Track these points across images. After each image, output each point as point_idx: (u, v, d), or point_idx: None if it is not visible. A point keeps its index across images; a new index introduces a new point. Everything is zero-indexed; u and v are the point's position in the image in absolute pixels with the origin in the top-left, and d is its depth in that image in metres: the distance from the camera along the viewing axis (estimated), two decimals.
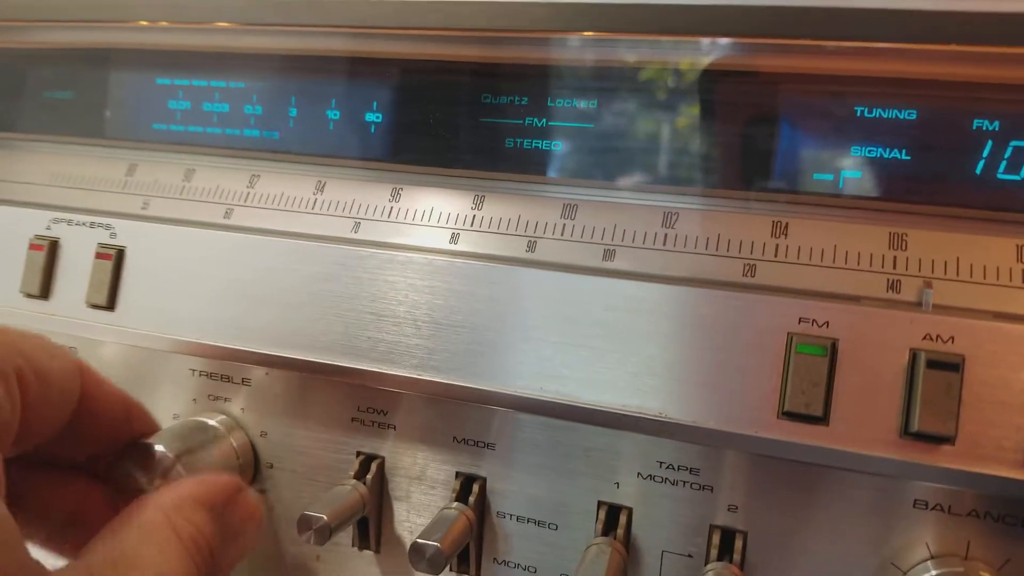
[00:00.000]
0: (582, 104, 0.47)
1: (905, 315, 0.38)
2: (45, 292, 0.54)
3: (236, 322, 0.49)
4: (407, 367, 0.46)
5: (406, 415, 0.49)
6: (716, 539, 0.43)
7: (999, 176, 0.41)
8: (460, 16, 0.46)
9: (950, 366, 0.36)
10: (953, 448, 0.36)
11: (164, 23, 0.54)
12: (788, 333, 0.39)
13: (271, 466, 0.52)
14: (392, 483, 0.50)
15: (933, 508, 0.40)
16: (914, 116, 0.42)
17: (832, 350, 0.38)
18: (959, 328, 0.37)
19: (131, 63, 0.59)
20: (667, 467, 0.44)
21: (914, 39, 0.40)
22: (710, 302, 0.41)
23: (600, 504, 0.45)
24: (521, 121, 0.48)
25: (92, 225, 0.54)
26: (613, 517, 0.45)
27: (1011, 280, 0.39)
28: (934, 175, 0.42)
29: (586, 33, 0.45)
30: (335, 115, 0.53)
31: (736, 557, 0.42)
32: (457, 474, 0.48)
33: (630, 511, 0.45)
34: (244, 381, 0.52)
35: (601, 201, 0.47)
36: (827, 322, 0.39)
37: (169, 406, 0.55)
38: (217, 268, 0.50)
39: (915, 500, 0.40)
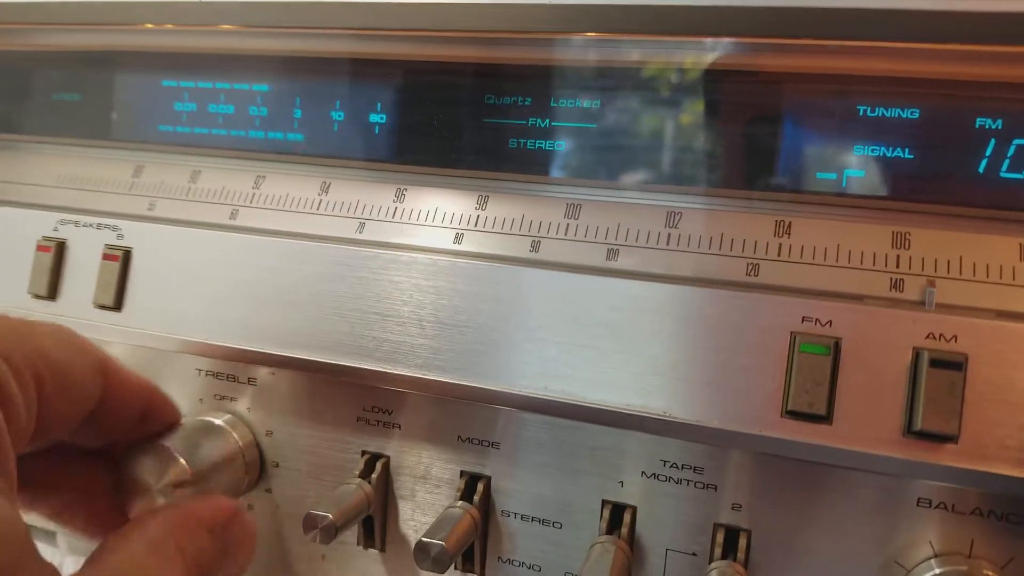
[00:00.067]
0: (585, 104, 0.47)
1: (908, 314, 0.38)
2: (52, 293, 0.55)
3: (242, 322, 0.50)
4: (412, 367, 0.46)
5: (411, 414, 0.49)
6: (720, 538, 0.43)
7: (1002, 175, 0.41)
8: (462, 18, 0.46)
9: (953, 365, 0.37)
10: (956, 447, 0.37)
11: (169, 26, 0.54)
12: (791, 332, 0.39)
13: (277, 465, 0.53)
14: (397, 482, 0.50)
15: (937, 507, 0.40)
16: (917, 115, 0.42)
17: (835, 349, 0.38)
18: (962, 327, 0.37)
19: (137, 65, 0.59)
20: (671, 466, 0.44)
21: (916, 38, 0.40)
22: (714, 302, 0.41)
23: (604, 503, 0.46)
24: (524, 121, 0.48)
25: (99, 226, 0.54)
26: (617, 516, 0.45)
27: (1014, 279, 0.39)
28: (937, 174, 0.42)
29: (589, 34, 0.45)
30: (339, 116, 0.53)
31: (740, 556, 0.42)
32: (462, 473, 0.48)
33: (634, 510, 0.45)
34: (250, 381, 0.53)
35: (604, 201, 0.47)
36: (830, 321, 0.39)
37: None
38: (223, 269, 0.51)
39: (919, 499, 0.40)
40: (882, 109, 0.42)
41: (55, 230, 0.55)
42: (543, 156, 0.48)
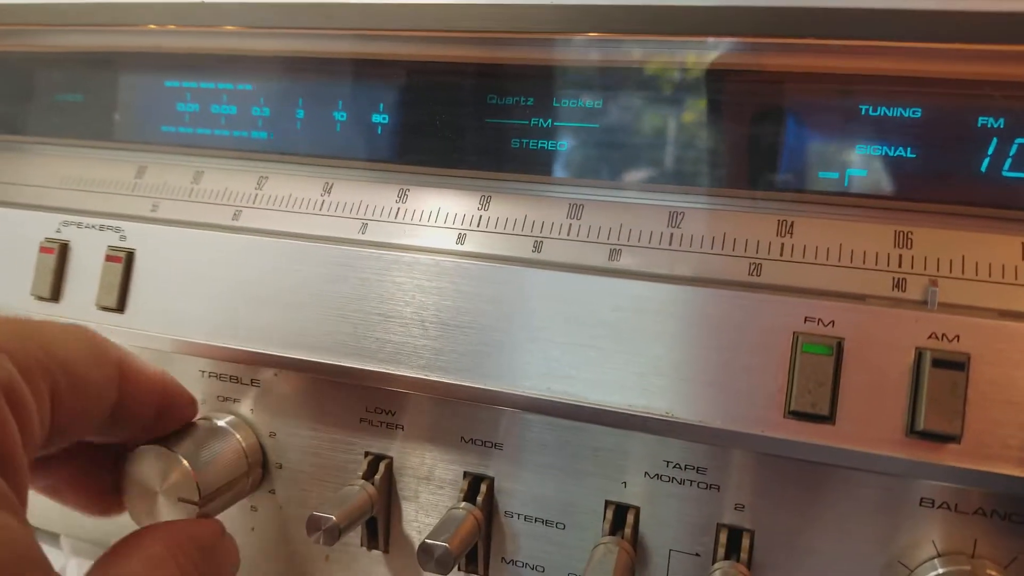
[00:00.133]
0: (587, 104, 0.47)
1: (911, 314, 0.38)
2: (56, 295, 0.55)
3: (245, 323, 0.50)
4: (415, 368, 0.46)
5: (414, 415, 0.49)
6: (723, 538, 0.43)
7: (1004, 173, 0.41)
8: (464, 18, 0.46)
9: (955, 365, 0.37)
10: (959, 447, 0.37)
11: (172, 27, 0.54)
12: (794, 332, 0.39)
13: (280, 466, 0.53)
14: (400, 483, 0.50)
15: (940, 506, 0.40)
16: (919, 114, 0.42)
17: (838, 349, 0.38)
18: (965, 327, 0.37)
19: (139, 66, 0.59)
20: (674, 466, 0.44)
21: (918, 37, 0.40)
22: (716, 302, 0.41)
23: (607, 503, 0.46)
24: (527, 122, 0.48)
25: (102, 228, 0.54)
26: (620, 516, 0.45)
27: (1016, 278, 0.39)
28: (939, 173, 0.42)
29: (591, 34, 0.45)
30: (342, 117, 0.53)
31: (743, 556, 0.42)
32: (465, 474, 0.48)
33: (637, 510, 0.45)
34: (253, 382, 0.53)
35: (607, 201, 0.47)
36: (832, 321, 0.39)
37: None
38: (226, 269, 0.51)
39: (921, 498, 0.40)
40: (884, 108, 0.42)
41: (58, 231, 0.55)
42: (545, 156, 0.48)
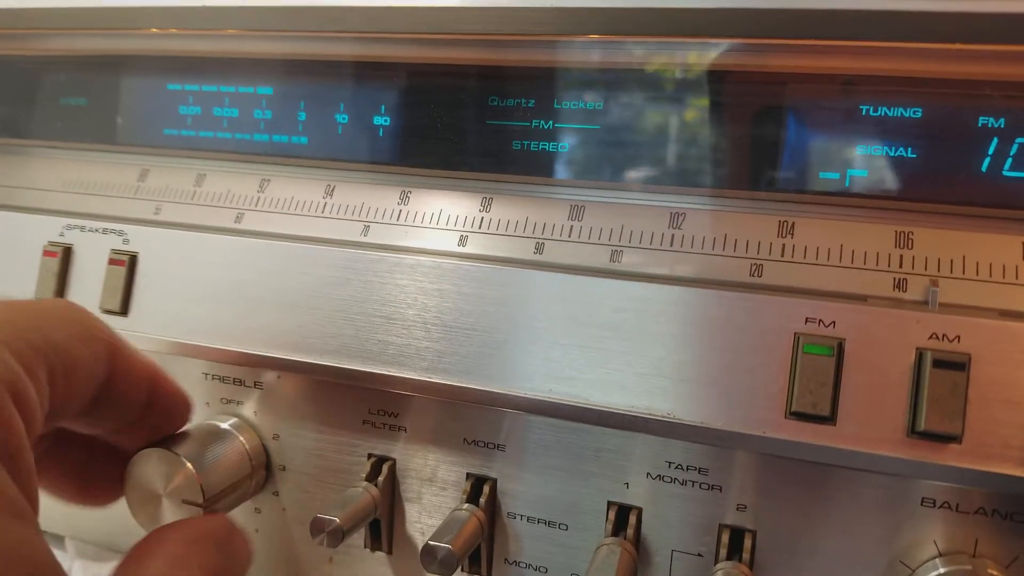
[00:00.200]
0: (588, 105, 0.47)
1: (911, 314, 0.38)
2: (59, 298, 0.55)
3: (248, 326, 0.50)
4: (417, 370, 0.46)
5: (417, 417, 0.49)
6: (725, 538, 0.43)
7: (1005, 173, 0.41)
8: (465, 21, 0.46)
9: (956, 365, 0.37)
10: (960, 447, 0.37)
11: (174, 30, 0.55)
12: (795, 333, 0.39)
13: (283, 468, 0.53)
14: (403, 485, 0.50)
15: (941, 506, 0.40)
16: (919, 114, 0.42)
17: (839, 350, 0.39)
18: (965, 327, 0.37)
19: (142, 69, 0.59)
20: (676, 467, 0.44)
21: (919, 38, 0.40)
22: (717, 303, 0.41)
23: (610, 504, 0.46)
24: (528, 123, 0.48)
25: (105, 231, 0.54)
26: (623, 517, 0.45)
27: (1017, 278, 0.39)
28: (940, 173, 0.42)
29: (592, 36, 0.45)
30: (344, 119, 0.53)
31: (745, 556, 0.42)
32: (468, 475, 0.49)
33: (640, 511, 0.45)
34: (256, 385, 0.53)
35: (608, 202, 0.47)
36: (833, 322, 0.39)
37: None
38: (228, 272, 0.51)
39: (923, 498, 0.40)
40: (885, 109, 0.42)
41: (61, 235, 0.56)
42: (546, 158, 0.48)
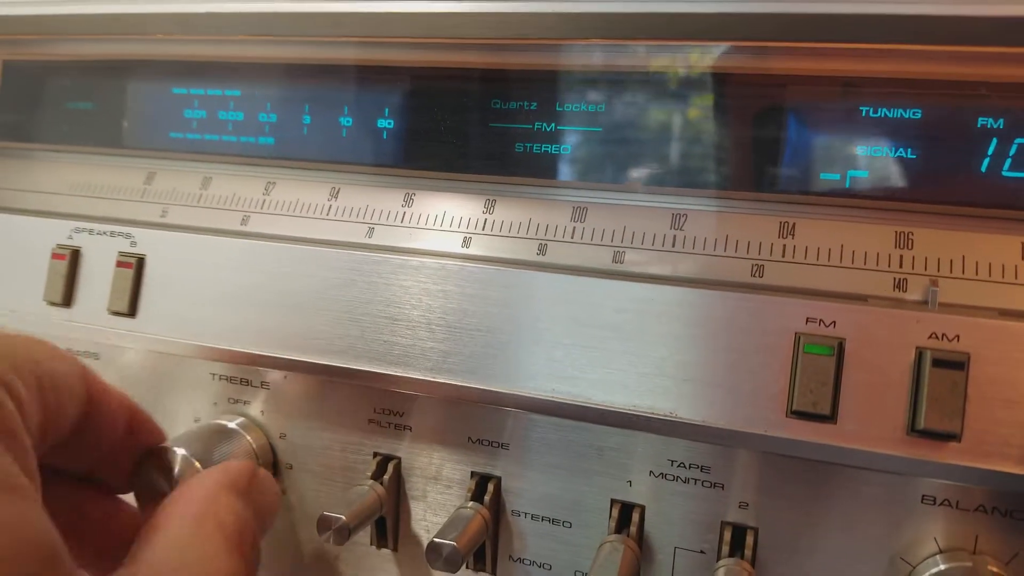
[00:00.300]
0: (590, 108, 0.48)
1: (911, 314, 0.38)
2: (67, 300, 0.55)
3: (254, 327, 0.50)
4: (422, 370, 0.46)
5: (422, 416, 0.50)
6: (727, 535, 0.44)
7: (1004, 174, 0.41)
8: (467, 26, 0.47)
9: (955, 364, 0.37)
10: (959, 445, 0.37)
11: (179, 36, 0.55)
12: (796, 333, 0.40)
13: (290, 467, 0.53)
14: (409, 483, 0.51)
15: (941, 504, 0.40)
16: (919, 115, 0.42)
17: (839, 350, 0.39)
18: (965, 326, 0.38)
19: (148, 74, 0.60)
20: (679, 465, 0.45)
21: (918, 40, 0.40)
22: (719, 303, 0.41)
23: (613, 502, 0.46)
24: (530, 126, 0.49)
25: (112, 234, 0.55)
26: (626, 515, 0.46)
27: (1016, 277, 0.40)
28: (939, 174, 0.42)
29: (593, 41, 0.45)
30: (348, 122, 0.54)
31: (747, 553, 0.43)
32: (472, 474, 0.49)
33: (643, 509, 0.46)
34: (263, 384, 0.53)
35: (610, 204, 0.47)
36: (834, 322, 0.39)
37: (190, 409, 0.56)
38: (235, 274, 0.51)
39: (923, 496, 0.40)
40: (885, 110, 0.43)
41: (69, 238, 0.56)
42: (549, 160, 0.49)
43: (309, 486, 0.53)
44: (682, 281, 0.43)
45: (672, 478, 0.45)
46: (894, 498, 0.41)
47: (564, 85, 0.48)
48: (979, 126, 0.41)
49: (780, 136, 0.45)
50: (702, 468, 0.44)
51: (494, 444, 0.48)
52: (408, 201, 0.51)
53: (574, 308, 0.44)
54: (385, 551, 0.52)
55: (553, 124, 0.48)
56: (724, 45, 0.44)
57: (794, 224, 0.44)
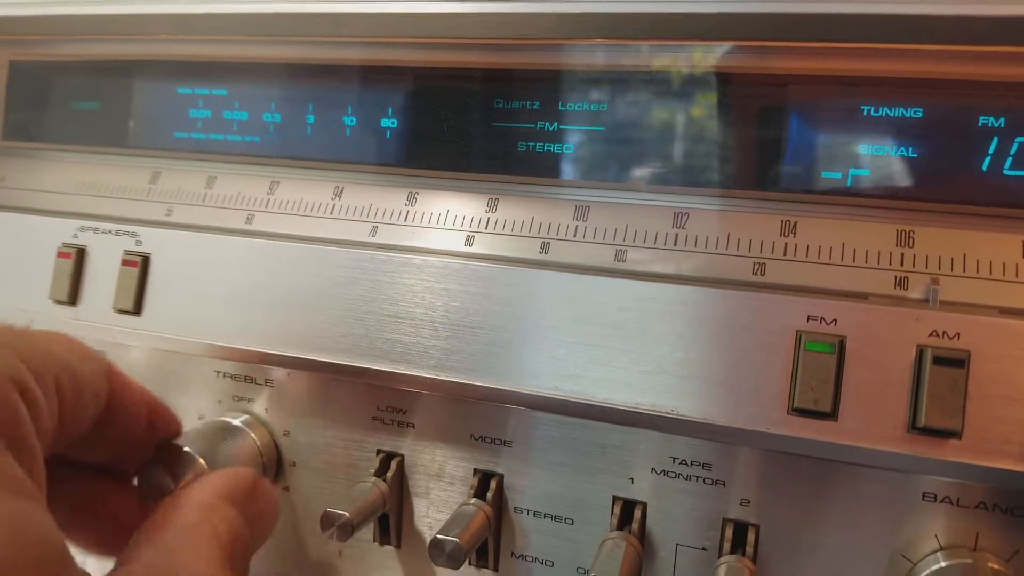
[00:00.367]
0: (592, 107, 0.48)
1: (911, 312, 0.39)
2: (73, 298, 0.56)
3: (259, 325, 0.50)
4: (425, 367, 0.47)
5: (425, 414, 0.50)
6: (729, 532, 0.44)
7: (1005, 172, 0.41)
8: (469, 27, 0.47)
9: (956, 362, 0.37)
10: (960, 442, 0.37)
11: (184, 36, 0.55)
12: (797, 331, 0.40)
13: (294, 464, 0.54)
14: (412, 480, 0.51)
15: (942, 501, 0.40)
16: (920, 114, 0.42)
17: (840, 347, 0.39)
18: (965, 324, 0.38)
19: (153, 74, 0.60)
20: (680, 462, 0.45)
21: (919, 39, 0.41)
22: (721, 301, 0.42)
23: (615, 499, 0.46)
24: (533, 125, 0.49)
25: (118, 233, 0.55)
26: (628, 512, 0.46)
27: (1017, 276, 0.40)
28: (940, 172, 0.42)
29: (595, 40, 0.46)
30: (351, 122, 0.54)
31: (749, 550, 0.43)
32: (475, 471, 0.49)
33: (645, 506, 0.46)
34: (267, 382, 0.54)
35: (613, 202, 0.47)
36: (835, 320, 0.40)
37: (195, 407, 0.56)
38: (240, 273, 0.51)
39: (924, 493, 0.40)
40: (886, 109, 0.43)
41: (75, 237, 0.56)
42: (552, 159, 0.49)
43: (313, 483, 0.53)
44: (684, 279, 0.43)
45: (674, 475, 0.45)
46: (895, 495, 0.41)
47: (566, 84, 0.48)
48: (980, 125, 0.41)
49: (782, 135, 0.45)
50: (704, 465, 0.44)
51: (497, 441, 0.48)
52: (411, 200, 0.51)
53: (577, 306, 0.44)
54: (388, 548, 0.52)
55: (556, 123, 0.49)
56: (726, 45, 0.45)
57: (796, 222, 0.44)
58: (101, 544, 0.40)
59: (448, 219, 0.50)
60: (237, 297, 0.51)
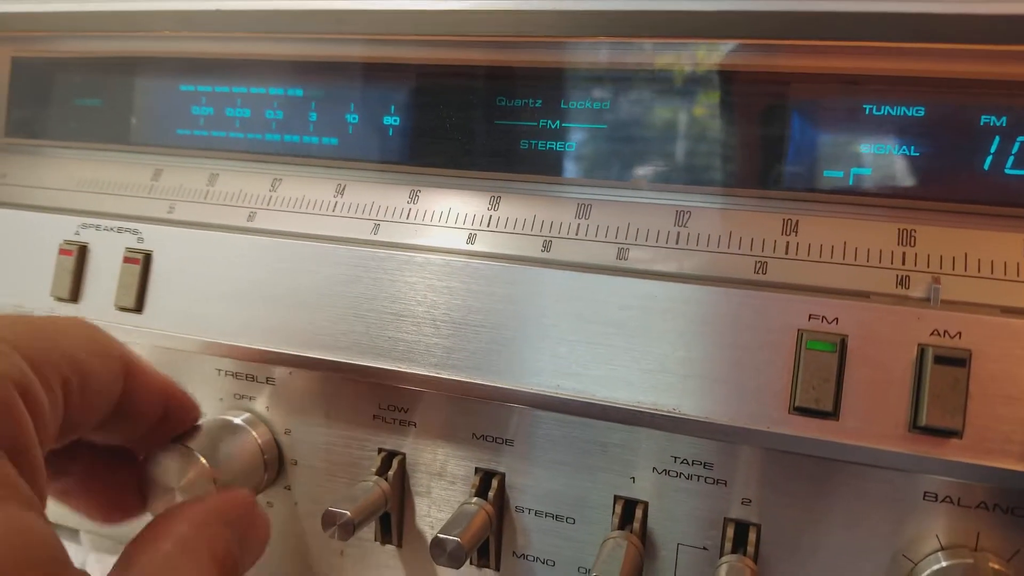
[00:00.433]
0: (595, 105, 0.48)
1: (913, 311, 0.39)
2: (75, 296, 0.56)
3: (260, 323, 0.50)
4: (427, 366, 0.47)
5: (426, 412, 0.50)
6: (730, 532, 0.44)
7: (1007, 171, 0.41)
8: (472, 23, 0.47)
9: (957, 361, 0.37)
10: (961, 442, 0.37)
11: (187, 33, 0.55)
12: (798, 330, 0.40)
13: (295, 463, 0.54)
14: (413, 479, 0.51)
15: (943, 500, 0.40)
16: (922, 113, 0.42)
17: (841, 346, 0.39)
18: (967, 323, 0.38)
19: (155, 71, 0.60)
20: (682, 462, 0.45)
21: (922, 38, 0.41)
22: (722, 300, 0.42)
23: (616, 498, 0.46)
24: (535, 123, 0.49)
25: (119, 230, 0.55)
26: (629, 511, 0.46)
27: (1018, 275, 0.40)
28: (942, 171, 0.42)
29: (598, 38, 0.46)
30: (354, 119, 0.54)
31: (750, 550, 0.43)
32: (476, 470, 0.49)
33: (646, 505, 0.46)
34: (268, 380, 0.54)
35: (614, 200, 0.47)
36: (836, 318, 0.39)
37: None
38: (241, 270, 0.51)
39: (925, 493, 0.40)
40: (888, 108, 0.43)
41: (76, 234, 0.56)
42: (554, 157, 0.49)
43: (314, 482, 0.53)
44: (686, 278, 0.43)
45: (675, 474, 0.45)
46: (896, 495, 0.41)
47: (569, 82, 0.48)
48: (982, 124, 0.41)
49: (784, 133, 0.45)
50: (705, 464, 0.44)
51: (498, 440, 0.48)
52: (413, 198, 0.51)
53: (578, 304, 0.44)
54: (389, 547, 0.52)
55: (558, 121, 0.49)
56: (729, 43, 0.45)
57: (797, 221, 0.44)
58: (102, 511, 0.41)
59: (450, 217, 0.50)
60: (238, 295, 0.51)
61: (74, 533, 0.64)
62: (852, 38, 0.42)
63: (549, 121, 0.49)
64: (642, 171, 0.47)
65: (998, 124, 0.41)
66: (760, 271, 0.43)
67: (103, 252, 0.56)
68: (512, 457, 0.48)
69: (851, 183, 0.43)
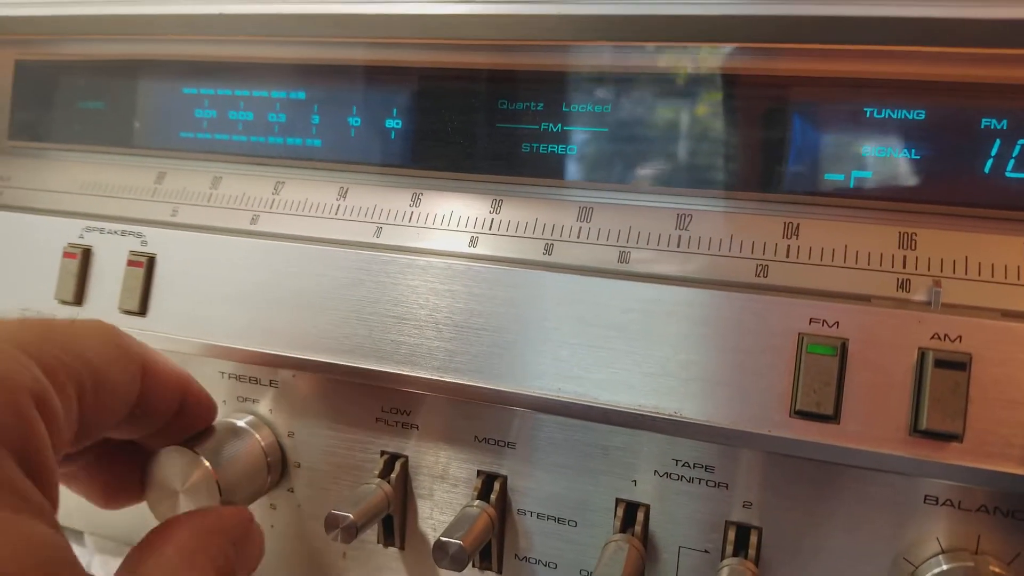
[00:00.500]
0: (596, 109, 0.48)
1: (913, 315, 0.39)
2: (79, 299, 0.56)
3: (263, 326, 0.51)
4: (429, 369, 0.47)
5: (428, 415, 0.50)
6: (732, 535, 0.44)
7: (1007, 174, 0.41)
8: (474, 28, 0.47)
9: (957, 365, 0.37)
10: (961, 445, 0.37)
11: (189, 36, 0.56)
12: (799, 333, 0.40)
13: (298, 465, 0.54)
14: (416, 482, 0.51)
15: (943, 504, 0.40)
16: (923, 116, 0.42)
17: (842, 350, 0.39)
18: (967, 327, 0.38)
19: (158, 74, 0.60)
20: (683, 465, 0.45)
21: (922, 42, 0.41)
22: (724, 303, 0.42)
23: (618, 501, 0.46)
24: (537, 126, 0.49)
25: (123, 233, 0.55)
26: (631, 514, 0.46)
27: (1019, 279, 0.40)
28: (943, 174, 0.42)
29: (599, 42, 0.46)
30: (356, 122, 0.54)
31: (751, 553, 0.43)
32: (479, 472, 0.49)
33: (647, 508, 0.46)
34: (271, 383, 0.54)
35: (616, 204, 0.47)
36: (837, 322, 0.40)
37: None
38: (244, 273, 0.52)
39: (925, 496, 0.40)
40: (889, 111, 0.43)
41: (80, 237, 0.57)
42: (556, 160, 0.49)
43: (317, 484, 0.54)
44: (687, 281, 0.43)
45: (677, 478, 0.45)
46: (897, 498, 0.41)
47: (570, 86, 0.48)
48: (983, 127, 0.41)
49: (785, 137, 0.45)
50: (706, 468, 0.44)
51: (500, 443, 0.49)
52: (416, 201, 0.51)
53: (580, 308, 0.44)
54: (392, 549, 0.53)
55: (559, 124, 0.49)
56: (729, 46, 0.45)
57: (798, 224, 0.44)
58: (104, 497, 0.42)
59: (452, 220, 0.50)
60: (242, 298, 0.51)
61: (79, 535, 0.64)
62: (853, 42, 0.42)
63: (551, 124, 0.49)
64: (644, 174, 0.47)
65: (999, 127, 0.41)
66: (761, 274, 0.43)
67: (107, 255, 0.56)
68: (514, 460, 0.48)
69: (852, 186, 0.44)
